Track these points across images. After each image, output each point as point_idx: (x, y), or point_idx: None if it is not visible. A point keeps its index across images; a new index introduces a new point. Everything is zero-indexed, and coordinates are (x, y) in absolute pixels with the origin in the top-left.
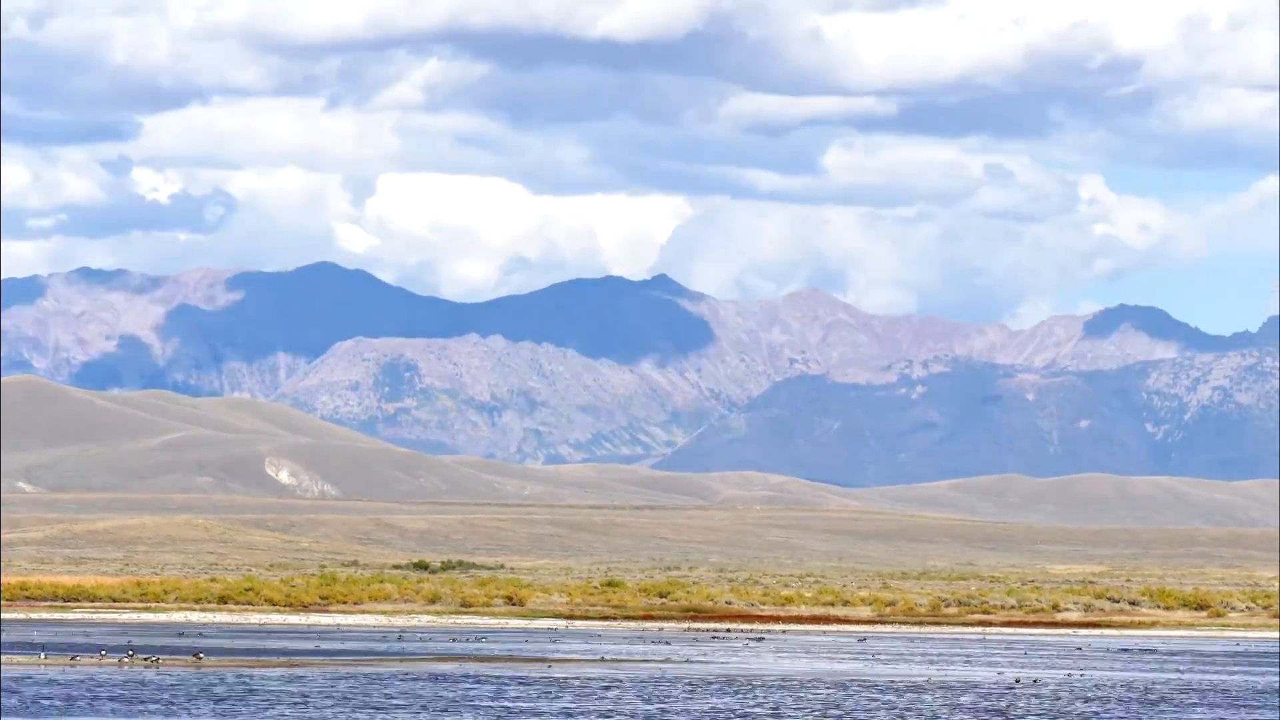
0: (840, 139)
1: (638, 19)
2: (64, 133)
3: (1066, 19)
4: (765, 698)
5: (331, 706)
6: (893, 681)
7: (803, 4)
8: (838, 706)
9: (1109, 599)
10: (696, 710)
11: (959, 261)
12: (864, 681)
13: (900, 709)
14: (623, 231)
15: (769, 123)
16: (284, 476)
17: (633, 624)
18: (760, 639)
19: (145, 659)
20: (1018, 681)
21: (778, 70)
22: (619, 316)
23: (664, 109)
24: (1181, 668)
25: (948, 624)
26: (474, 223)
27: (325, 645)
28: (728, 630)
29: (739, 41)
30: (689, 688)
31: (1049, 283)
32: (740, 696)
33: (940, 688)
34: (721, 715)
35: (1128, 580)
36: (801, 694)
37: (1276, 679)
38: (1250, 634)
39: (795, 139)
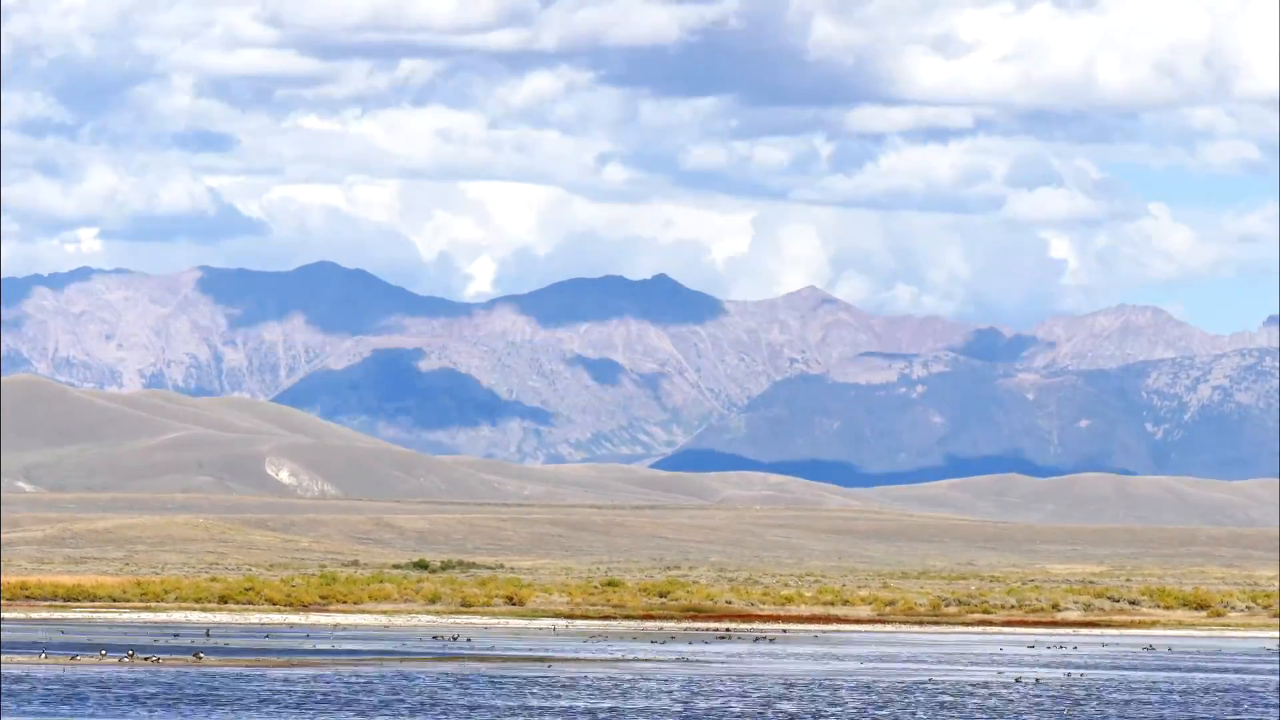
0: (889, 145)
1: (681, 23)
2: (109, 139)
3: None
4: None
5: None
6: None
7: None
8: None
9: (1109, 598)
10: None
11: (971, 263)
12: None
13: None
14: (669, 238)
15: (828, 130)
16: (284, 476)
17: (633, 623)
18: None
19: (146, 658)
20: (1018, 680)
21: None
22: (618, 315)
23: (714, 119)
24: None
25: (947, 623)
26: (509, 228)
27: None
28: (783, 630)
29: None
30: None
31: (1051, 282)
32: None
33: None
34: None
35: (1128, 580)
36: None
37: None
38: (1251, 633)
39: (851, 144)
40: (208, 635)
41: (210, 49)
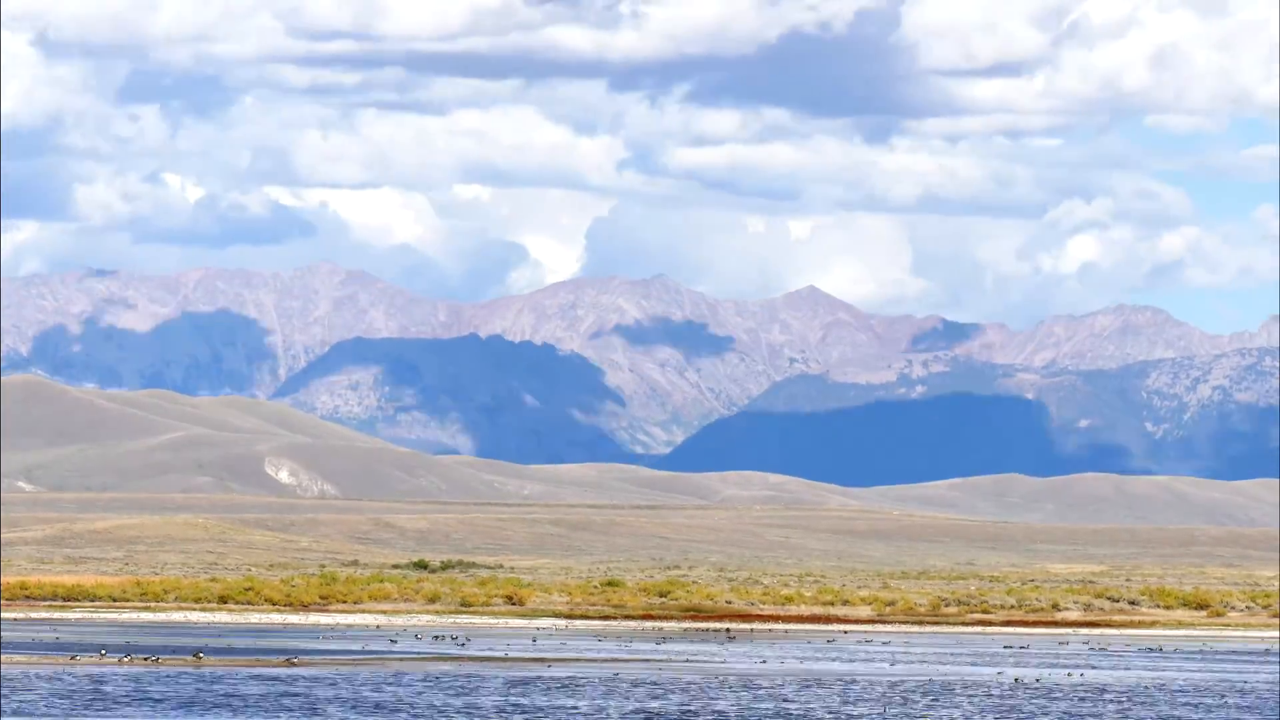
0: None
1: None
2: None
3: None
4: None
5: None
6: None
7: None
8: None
9: (1109, 598)
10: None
11: (973, 264)
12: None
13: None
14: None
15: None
16: (284, 476)
17: (633, 623)
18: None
19: (145, 658)
20: (1017, 681)
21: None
22: (618, 316)
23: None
24: None
25: (947, 624)
26: (514, 230)
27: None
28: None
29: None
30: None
31: (1051, 282)
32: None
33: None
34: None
35: (1127, 580)
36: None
37: None
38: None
39: (864, 148)
40: (168, 635)
41: (264, 57)
